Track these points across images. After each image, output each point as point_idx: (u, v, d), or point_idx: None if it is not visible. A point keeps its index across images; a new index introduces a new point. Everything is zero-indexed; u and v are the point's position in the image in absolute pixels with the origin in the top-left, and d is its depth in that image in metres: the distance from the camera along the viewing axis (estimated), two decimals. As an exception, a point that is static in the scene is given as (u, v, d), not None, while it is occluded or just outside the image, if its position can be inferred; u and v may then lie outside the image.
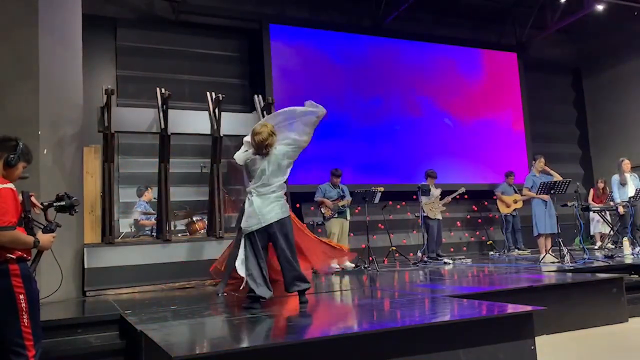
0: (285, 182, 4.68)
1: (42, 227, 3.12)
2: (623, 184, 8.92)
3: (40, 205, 3.21)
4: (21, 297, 2.93)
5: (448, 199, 9.52)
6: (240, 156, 4.72)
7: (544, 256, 7.71)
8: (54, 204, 3.25)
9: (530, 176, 8.41)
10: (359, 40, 11.50)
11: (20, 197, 3.04)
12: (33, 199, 3.15)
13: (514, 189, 10.58)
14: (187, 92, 9.73)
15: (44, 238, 3.07)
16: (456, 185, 10.06)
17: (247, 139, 4.83)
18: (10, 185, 2.99)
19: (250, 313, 4.25)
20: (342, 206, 8.47)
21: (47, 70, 5.74)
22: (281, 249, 4.54)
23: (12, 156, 3.07)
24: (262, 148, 4.54)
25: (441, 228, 9.52)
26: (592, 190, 11.23)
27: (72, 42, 6.40)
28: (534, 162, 8.60)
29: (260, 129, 4.57)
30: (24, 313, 2.93)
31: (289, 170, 4.69)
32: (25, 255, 3.01)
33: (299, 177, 9.91)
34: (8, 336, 2.92)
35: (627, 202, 8.71)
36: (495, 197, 10.93)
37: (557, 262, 7.40)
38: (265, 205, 4.51)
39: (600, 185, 10.92)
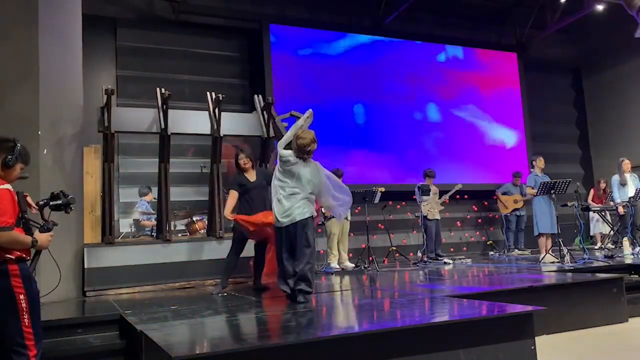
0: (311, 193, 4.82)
1: (39, 226, 3.12)
2: (623, 184, 8.91)
3: (36, 205, 3.21)
4: (21, 297, 2.93)
5: (445, 197, 9.51)
6: (283, 152, 4.85)
7: (544, 256, 7.71)
8: (50, 203, 3.25)
9: (532, 176, 8.41)
10: (359, 40, 11.50)
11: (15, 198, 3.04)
12: (28, 199, 3.16)
13: (520, 190, 10.56)
14: (187, 92, 9.73)
15: (41, 237, 3.07)
16: (454, 185, 10.03)
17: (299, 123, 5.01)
18: (8, 186, 2.99)
19: (249, 313, 4.25)
20: (342, 206, 8.45)
21: (47, 70, 5.74)
22: (299, 247, 4.68)
23: (9, 157, 3.07)
24: (303, 152, 4.74)
25: (440, 228, 9.49)
26: (592, 191, 11.21)
27: (72, 42, 6.40)
28: (533, 162, 8.58)
29: (305, 134, 4.78)
30: (24, 313, 2.94)
31: (312, 197, 4.84)
32: (24, 256, 3.01)
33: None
34: (9, 336, 2.93)
35: (627, 202, 8.71)
36: (495, 197, 10.93)
37: (557, 262, 7.40)
38: (292, 204, 4.69)
39: (602, 185, 10.88)
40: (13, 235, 2.93)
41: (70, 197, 3.32)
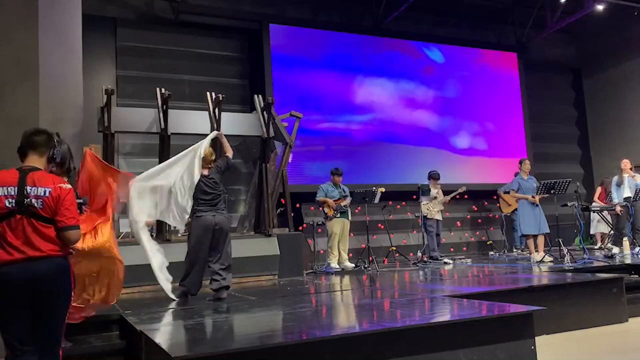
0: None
1: None
2: (619, 184, 8.90)
3: None
4: (72, 293, 2.97)
5: (447, 198, 9.48)
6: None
7: (534, 256, 7.78)
8: None
9: (517, 179, 8.30)
10: (359, 40, 11.50)
11: None
12: None
13: None
14: (187, 92, 9.73)
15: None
16: (456, 185, 10.02)
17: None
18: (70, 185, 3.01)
19: (249, 313, 4.26)
20: (344, 206, 8.45)
21: (47, 70, 5.74)
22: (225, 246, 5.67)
23: (56, 151, 3.05)
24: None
25: (440, 229, 9.45)
26: (599, 188, 11.01)
27: (72, 42, 6.41)
28: (520, 165, 8.43)
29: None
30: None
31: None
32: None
33: (298, 177, 9.92)
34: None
35: (626, 202, 8.69)
36: (495, 197, 10.89)
37: (550, 261, 7.42)
38: None
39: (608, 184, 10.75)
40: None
41: (84, 198, 3.39)
